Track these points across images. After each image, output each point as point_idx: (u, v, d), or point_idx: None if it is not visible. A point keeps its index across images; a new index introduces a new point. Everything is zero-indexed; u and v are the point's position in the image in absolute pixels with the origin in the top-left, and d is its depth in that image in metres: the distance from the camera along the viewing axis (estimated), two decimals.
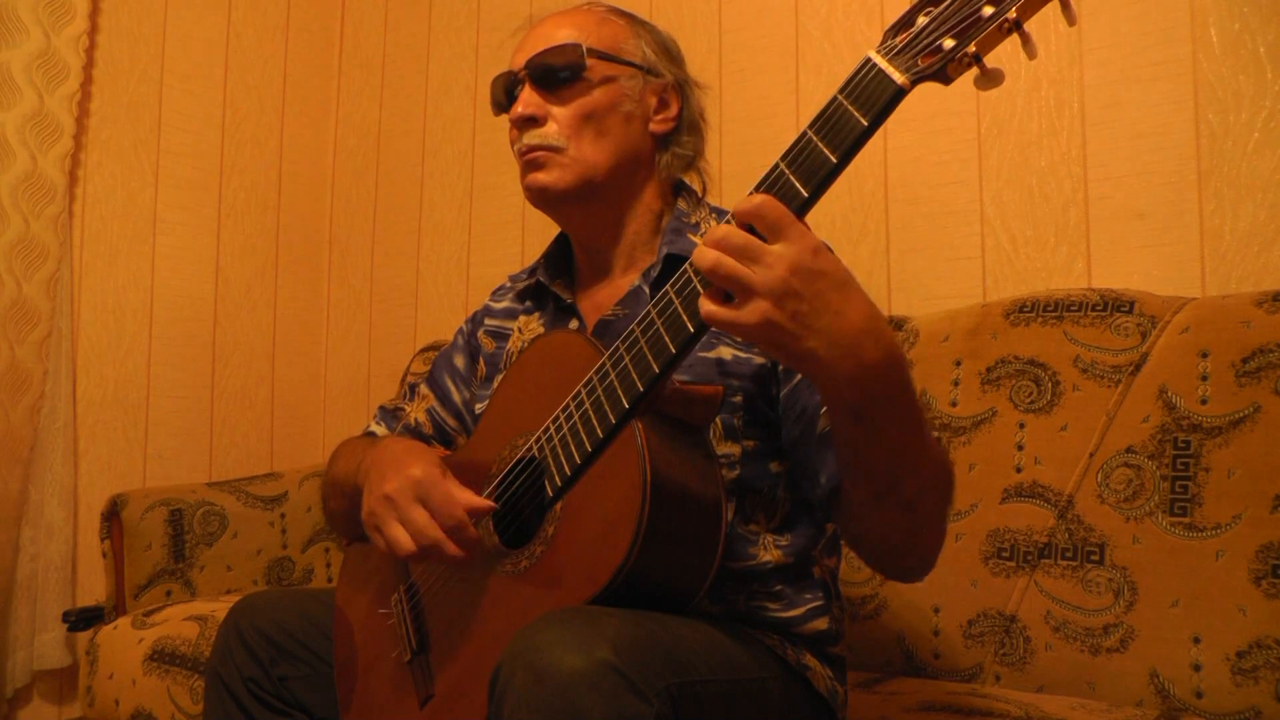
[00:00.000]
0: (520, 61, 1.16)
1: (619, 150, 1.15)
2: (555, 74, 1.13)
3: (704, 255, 0.80)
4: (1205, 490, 1.31)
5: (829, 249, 0.82)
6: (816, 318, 0.79)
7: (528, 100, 1.14)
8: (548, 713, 0.76)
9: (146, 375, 2.39)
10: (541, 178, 1.13)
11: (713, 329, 0.86)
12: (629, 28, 1.19)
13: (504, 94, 1.19)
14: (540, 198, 1.15)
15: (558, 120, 1.13)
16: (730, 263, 0.79)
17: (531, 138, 1.13)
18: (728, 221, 0.82)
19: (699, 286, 0.86)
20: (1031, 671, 1.38)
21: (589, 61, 1.14)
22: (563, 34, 1.15)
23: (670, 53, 1.22)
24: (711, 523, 0.92)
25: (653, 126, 1.18)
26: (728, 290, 0.81)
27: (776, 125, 2.02)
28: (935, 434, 1.03)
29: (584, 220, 1.18)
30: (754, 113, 2.07)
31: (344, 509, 1.21)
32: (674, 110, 1.19)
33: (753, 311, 0.79)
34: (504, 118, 1.19)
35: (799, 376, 1.05)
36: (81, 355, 2.28)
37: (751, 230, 0.80)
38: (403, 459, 1.03)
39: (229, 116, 2.56)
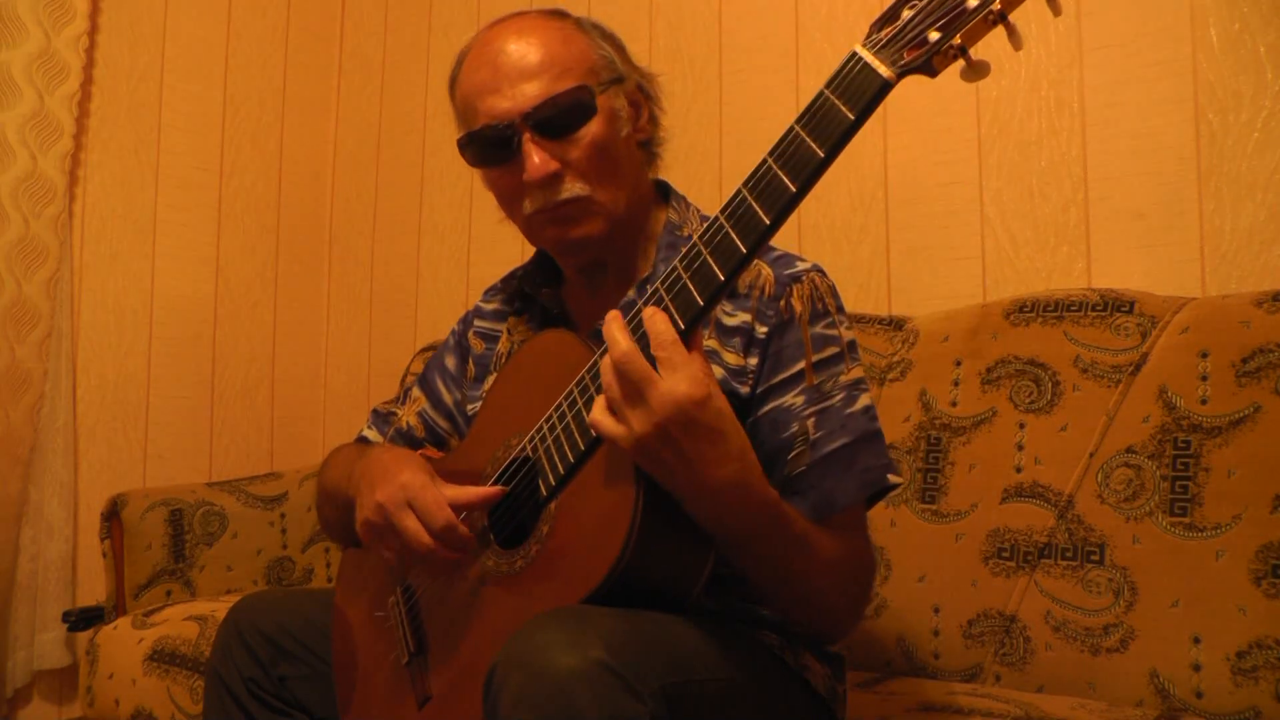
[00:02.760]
0: (510, 111, 1.04)
1: (629, 178, 1.11)
2: (567, 123, 1.04)
3: (605, 370, 0.86)
4: (1205, 490, 1.31)
5: (717, 394, 0.85)
6: (682, 462, 0.85)
7: (544, 158, 1.04)
8: (542, 713, 0.75)
9: (146, 375, 2.39)
10: (579, 232, 1.07)
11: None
12: (588, 37, 1.11)
13: (494, 149, 1.07)
14: (580, 248, 1.10)
15: (575, 168, 1.05)
16: (616, 396, 0.85)
17: (556, 193, 1.05)
18: (639, 310, 0.88)
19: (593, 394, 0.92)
20: (1031, 671, 1.38)
21: (599, 102, 1.06)
22: (544, 67, 1.05)
23: (623, 47, 1.15)
24: None
25: (638, 137, 1.13)
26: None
27: (776, 125, 2.00)
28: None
29: (597, 254, 1.13)
30: (754, 113, 2.07)
31: (338, 517, 1.21)
32: (646, 112, 1.14)
33: (627, 439, 0.85)
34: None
35: (763, 410, 1.03)
36: (81, 355, 2.28)
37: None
38: (391, 467, 1.03)
39: (229, 116, 2.56)
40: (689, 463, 0.84)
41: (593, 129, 1.06)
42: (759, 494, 0.89)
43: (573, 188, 1.05)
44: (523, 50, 1.06)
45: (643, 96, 1.14)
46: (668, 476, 0.86)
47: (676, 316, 0.86)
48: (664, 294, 0.88)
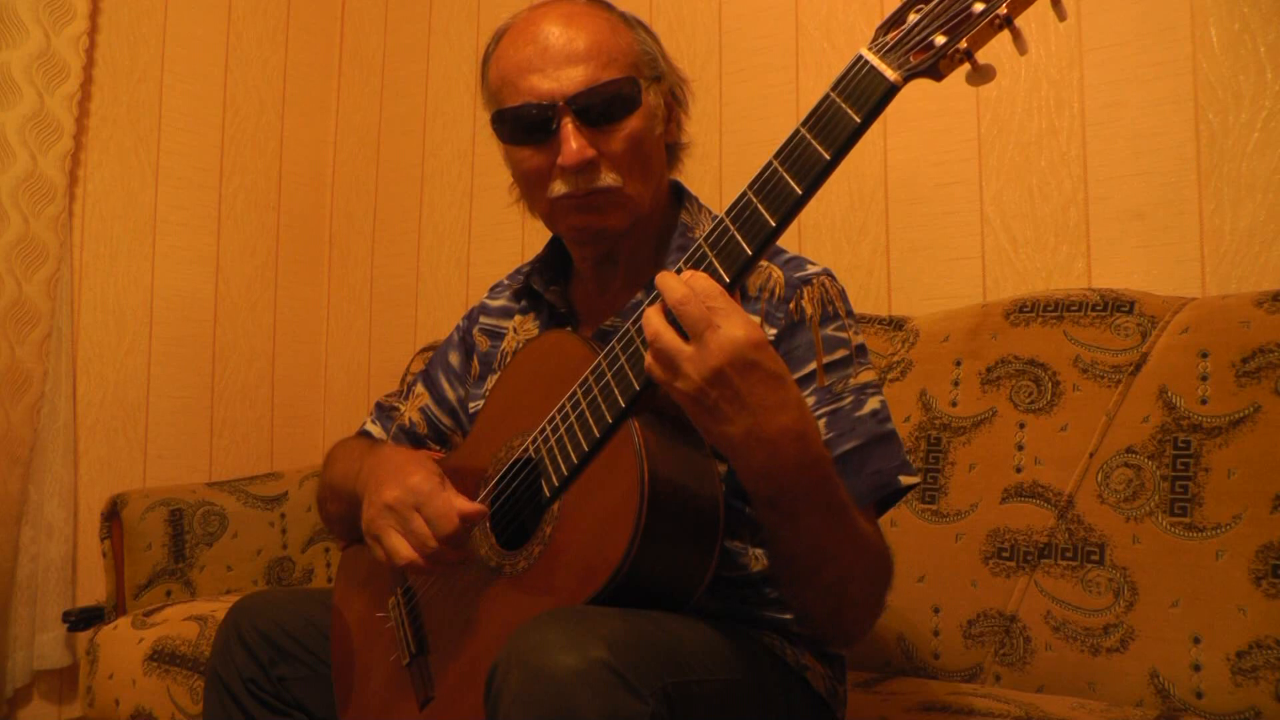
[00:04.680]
0: (553, 93, 1.03)
1: (656, 175, 1.10)
2: (609, 112, 1.04)
3: (649, 321, 0.83)
4: (1205, 490, 1.31)
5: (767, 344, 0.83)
6: (742, 410, 0.81)
7: (582, 144, 1.02)
8: (542, 712, 0.75)
9: (146, 375, 2.39)
10: (605, 223, 1.06)
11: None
12: (634, 32, 1.11)
13: (530, 128, 1.05)
14: (600, 238, 1.09)
15: (609, 159, 1.04)
16: (669, 339, 0.82)
17: (590, 181, 1.04)
18: (643, 311, 0.85)
19: (640, 347, 0.88)
20: (1031, 671, 1.38)
21: (644, 98, 1.06)
22: (592, 53, 1.04)
23: (662, 47, 1.15)
24: (710, 520, 0.92)
25: (668, 138, 1.13)
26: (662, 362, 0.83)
27: (776, 125, 2.02)
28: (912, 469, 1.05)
29: (611, 247, 1.13)
30: (754, 113, 2.07)
31: (341, 512, 1.20)
32: (677, 115, 1.14)
33: (685, 385, 0.82)
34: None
35: None
36: (81, 355, 2.28)
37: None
38: (402, 468, 1.03)
39: (229, 116, 2.56)
40: (749, 410, 0.81)
41: (633, 122, 1.05)
42: (816, 448, 0.86)
43: (606, 177, 1.04)
44: (571, 34, 1.05)
45: (674, 100, 1.14)
46: (724, 428, 0.83)
47: None
48: None
